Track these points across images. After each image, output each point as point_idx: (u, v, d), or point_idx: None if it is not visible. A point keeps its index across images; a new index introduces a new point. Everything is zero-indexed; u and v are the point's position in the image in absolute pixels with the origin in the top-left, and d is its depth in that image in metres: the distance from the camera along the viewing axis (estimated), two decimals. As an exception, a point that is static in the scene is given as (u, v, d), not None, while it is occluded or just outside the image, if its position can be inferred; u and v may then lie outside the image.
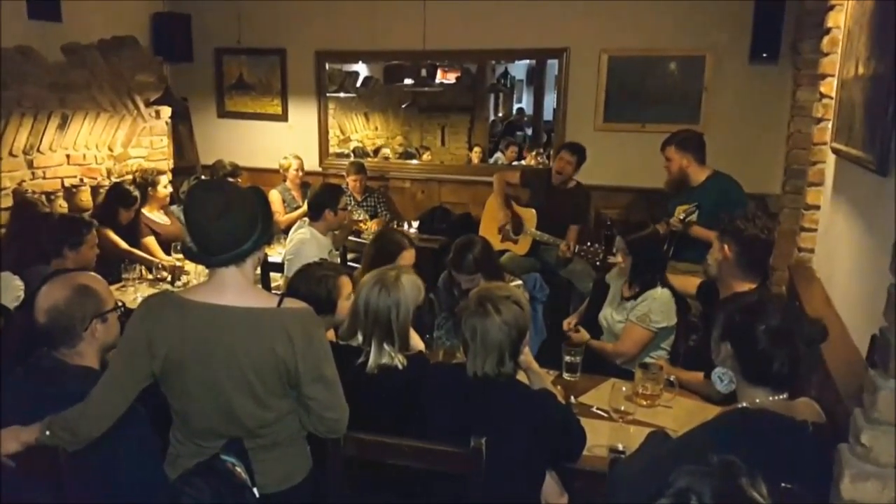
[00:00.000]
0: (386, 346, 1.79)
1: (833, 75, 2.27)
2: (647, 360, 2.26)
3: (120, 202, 3.43)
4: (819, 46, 2.46)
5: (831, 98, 2.28)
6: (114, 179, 3.89)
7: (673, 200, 3.14)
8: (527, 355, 1.80)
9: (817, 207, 2.49)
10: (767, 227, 2.17)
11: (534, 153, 6.20)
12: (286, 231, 3.47)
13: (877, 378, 1.14)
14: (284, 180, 4.49)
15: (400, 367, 1.78)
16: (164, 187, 3.70)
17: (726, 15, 4.00)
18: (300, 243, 3.02)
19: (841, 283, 1.97)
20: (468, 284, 2.41)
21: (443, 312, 2.60)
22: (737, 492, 0.87)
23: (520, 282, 2.61)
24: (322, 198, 3.17)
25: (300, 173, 4.51)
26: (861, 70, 1.75)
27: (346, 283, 2.04)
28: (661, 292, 2.37)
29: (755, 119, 4.04)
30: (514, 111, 8.23)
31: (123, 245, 3.39)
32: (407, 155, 6.04)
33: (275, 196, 4.30)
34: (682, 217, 2.95)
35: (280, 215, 4.16)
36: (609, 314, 2.52)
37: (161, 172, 3.81)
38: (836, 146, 2.05)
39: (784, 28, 3.82)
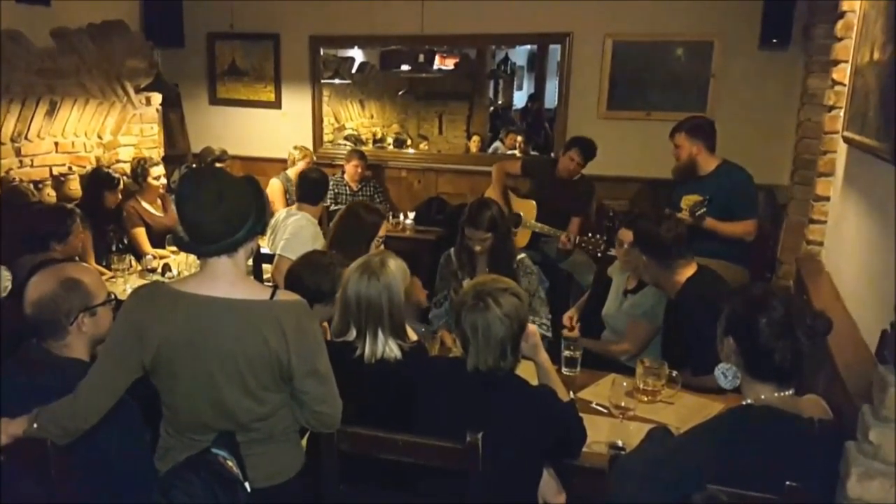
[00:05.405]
0: (381, 335, 1.76)
1: (846, 61, 2.22)
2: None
3: (104, 185, 3.40)
4: (832, 31, 2.40)
5: (844, 85, 2.23)
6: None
7: (679, 190, 3.05)
8: (538, 348, 1.77)
9: (827, 199, 2.45)
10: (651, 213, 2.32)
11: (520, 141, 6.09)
12: None
13: (887, 374, 1.13)
14: (285, 169, 4.39)
15: (396, 358, 1.75)
16: (154, 178, 3.60)
17: (735, -1, 3.91)
18: (299, 227, 3.05)
19: (851, 277, 1.94)
20: (479, 245, 2.43)
21: (443, 291, 2.57)
22: None
23: (523, 255, 2.57)
24: (324, 187, 3.33)
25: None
26: (877, 55, 1.69)
27: None
28: None
29: (764, 107, 3.97)
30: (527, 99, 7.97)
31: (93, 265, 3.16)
32: (398, 143, 5.95)
33: (276, 184, 4.23)
34: (692, 211, 2.85)
35: (280, 204, 4.08)
36: (611, 310, 2.48)
37: (154, 163, 3.71)
38: (849, 135, 2.00)
39: (795, 12, 3.74)
